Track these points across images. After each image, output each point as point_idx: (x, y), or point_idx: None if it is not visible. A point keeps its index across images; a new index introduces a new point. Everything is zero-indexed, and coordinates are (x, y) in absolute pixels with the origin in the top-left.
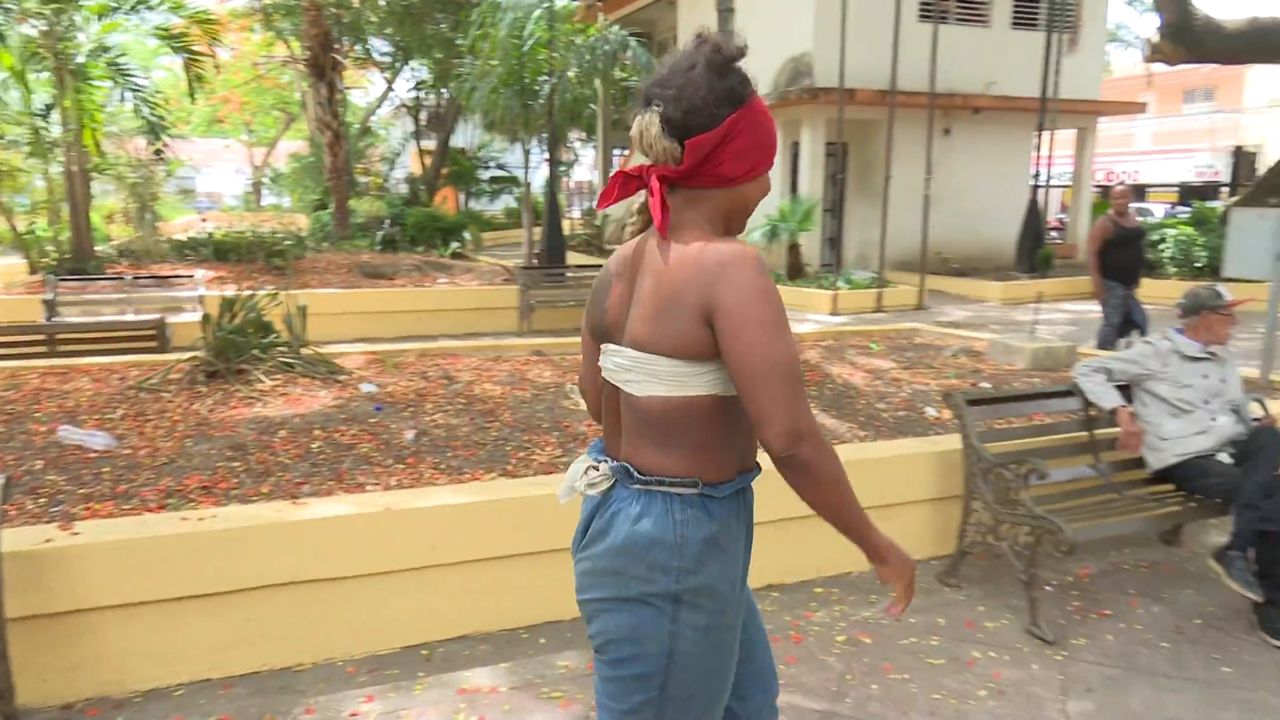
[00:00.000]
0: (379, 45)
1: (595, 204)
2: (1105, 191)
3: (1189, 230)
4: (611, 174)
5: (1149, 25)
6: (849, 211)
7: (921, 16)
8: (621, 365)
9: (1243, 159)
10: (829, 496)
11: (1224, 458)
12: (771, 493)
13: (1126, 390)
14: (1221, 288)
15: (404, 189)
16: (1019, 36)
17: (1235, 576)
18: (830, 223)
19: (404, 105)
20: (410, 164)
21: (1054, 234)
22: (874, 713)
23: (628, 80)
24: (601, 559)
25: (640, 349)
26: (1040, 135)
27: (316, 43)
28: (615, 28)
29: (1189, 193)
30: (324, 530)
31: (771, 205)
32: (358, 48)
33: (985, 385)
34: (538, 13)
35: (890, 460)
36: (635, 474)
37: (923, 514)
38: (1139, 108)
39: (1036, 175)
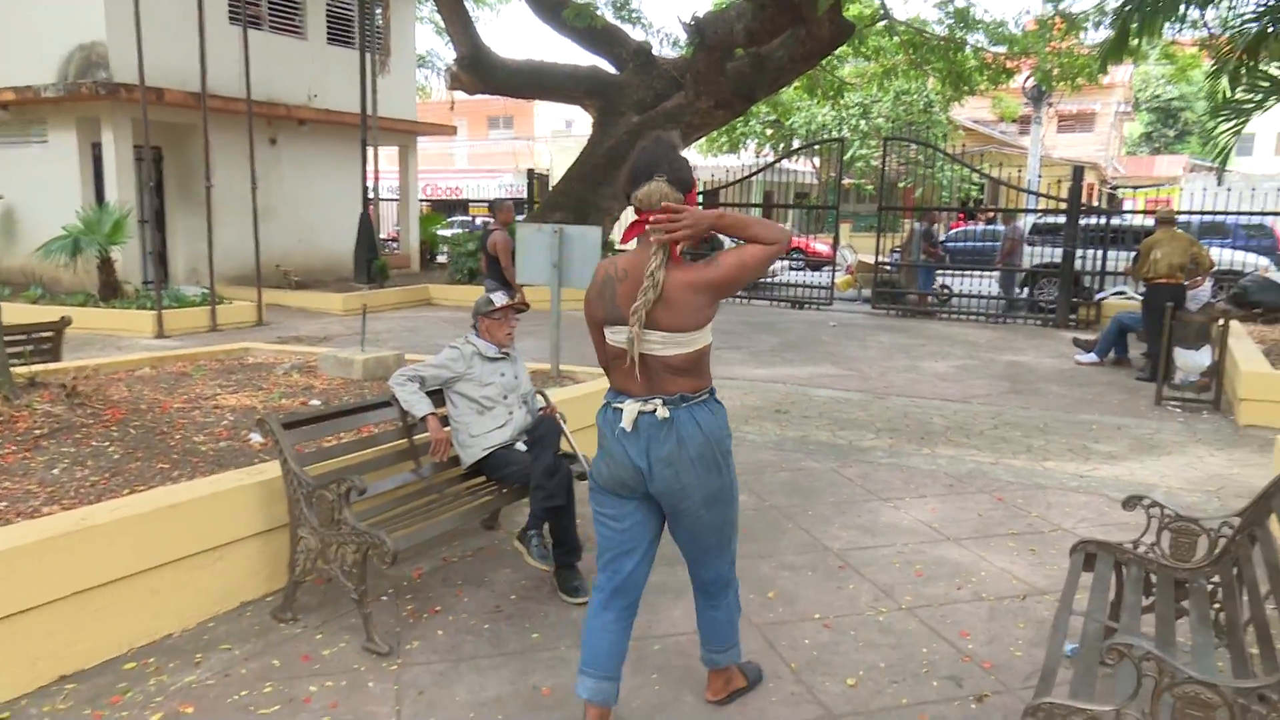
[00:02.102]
0: None
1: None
2: (492, 205)
3: None
4: (628, 225)
5: (452, 55)
6: (173, 223)
7: (232, 19)
8: (650, 341)
9: (536, 180)
10: None
11: (521, 446)
12: (60, 567)
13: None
14: (497, 295)
15: None
16: (336, 53)
17: (533, 554)
18: (153, 235)
19: None
20: None
21: (393, 245)
22: None
23: None
24: (690, 449)
25: (674, 331)
26: (365, 150)
27: None
28: None
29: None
30: None
31: (70, 215)
32: None
33: (316, 402)
34: None
35: (206, 500)
36: (688, 396)
37: (252, 551)
38: (451, 130)
39: (367, 189)
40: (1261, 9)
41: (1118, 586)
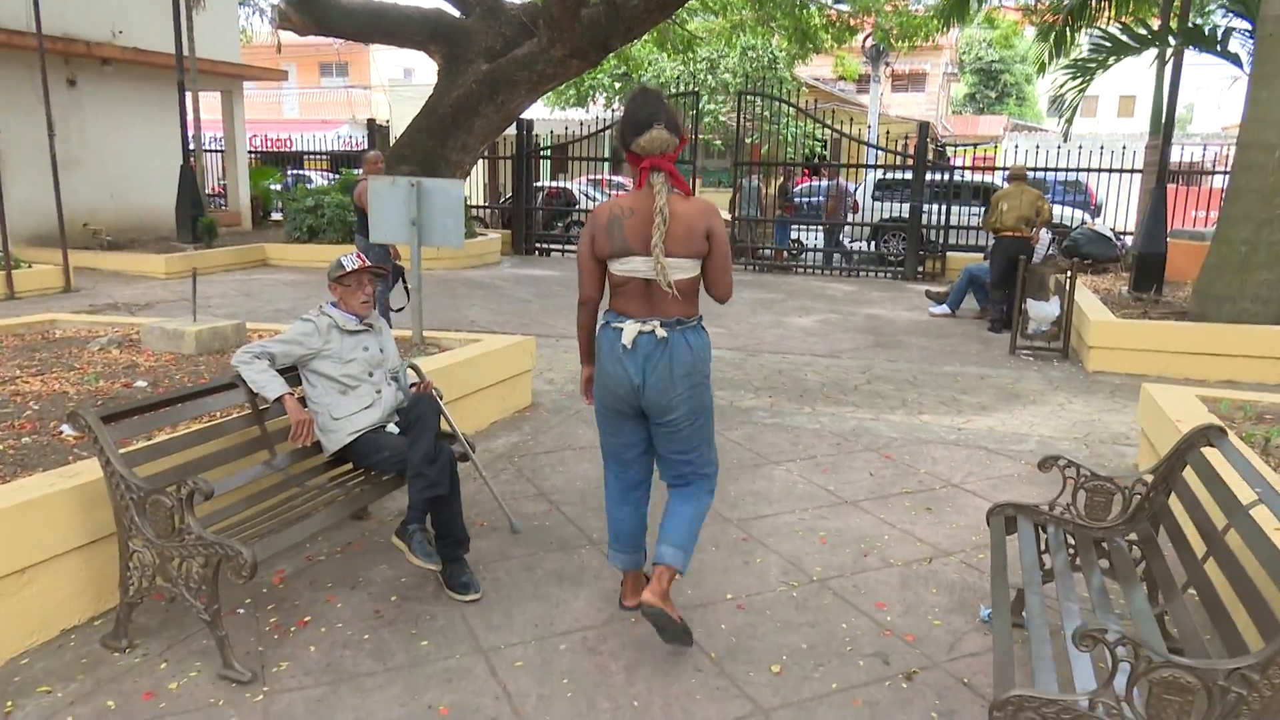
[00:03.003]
0: None
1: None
2: (355, 158)
3: (340, 197)
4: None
5: None
6: None
7: None
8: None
9: (377, 131)
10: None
11: (392, 429)
12: None
13: (294, 370)
14: (347, 259)
15: None
16: None
17: (416, 551)
18: None
19: None
20: None
21: (219, 201)
22: None
23: None
24: (680, 367)
25: (678, 257)
26: (183, 94)
27: None
28: None
29: (337, 160)
30: None
31: None
32: None
33: (142, 384)
34: None
35: (8, 512)
36: (683, 320)
37: (72, 568)
38: (281, 75)
39: (188, 138)
40: None
41: (1037, 549)
